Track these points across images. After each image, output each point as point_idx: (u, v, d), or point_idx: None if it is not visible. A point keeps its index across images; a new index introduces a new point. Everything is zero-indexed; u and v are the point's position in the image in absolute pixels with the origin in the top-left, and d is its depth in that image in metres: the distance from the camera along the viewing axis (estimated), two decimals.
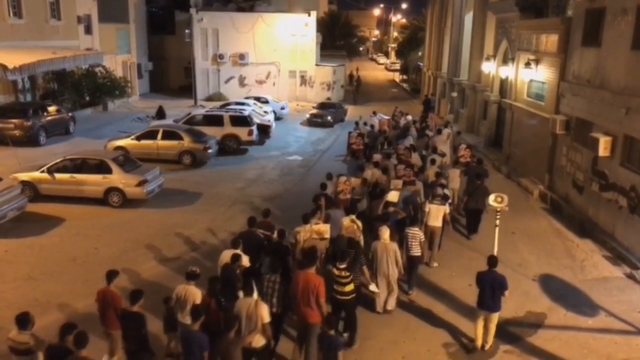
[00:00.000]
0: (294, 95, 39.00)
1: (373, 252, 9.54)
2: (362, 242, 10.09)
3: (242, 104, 28.51)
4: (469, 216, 13.70)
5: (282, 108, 32.35)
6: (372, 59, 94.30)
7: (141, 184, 14.84)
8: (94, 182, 14.84)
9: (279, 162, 21.46)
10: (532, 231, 14.09)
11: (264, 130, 24.37)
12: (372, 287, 9.49)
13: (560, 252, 12.80)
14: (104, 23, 33.36)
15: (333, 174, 13.76)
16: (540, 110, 17.67)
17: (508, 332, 9.25)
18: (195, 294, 7.58)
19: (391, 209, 11.38)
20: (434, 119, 26.45)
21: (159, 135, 19.79)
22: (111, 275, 7.65)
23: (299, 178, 19.29)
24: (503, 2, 22.29)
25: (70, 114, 24.79)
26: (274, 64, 38.70)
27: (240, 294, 7.77)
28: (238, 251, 8.68)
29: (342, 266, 8.43)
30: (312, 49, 39.26)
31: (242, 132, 22.16)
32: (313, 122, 30.13)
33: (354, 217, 10.51)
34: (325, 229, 9.92)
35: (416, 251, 10.36)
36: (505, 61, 21.94)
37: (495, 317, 8.59)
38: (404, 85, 56.90)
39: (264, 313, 7.16)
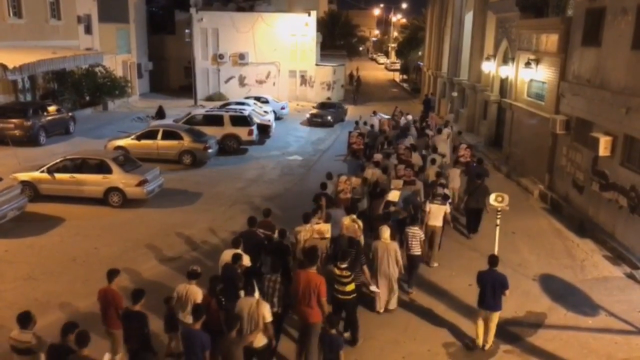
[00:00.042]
0: (294, 95, 38.98)
1: (374, 251, 9.55)
2: (362, 242, 10.09)
3: (242, 103, 28.50)
4: (469, 216, 13.71)
5: (282, 108, 32.35)
6: (372, 59, 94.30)
7: (141, 183, 14.84)
8: (94, 182, 14.84)
9: (279, 162, 21.46)
10: (532, 231, 14.09)
11: (264, 130, 24.38)
12: (373, 287, 9.50)
13: (561, 252, 12.81)
14: (104, 23, 33.35)
15: (333, 174, 13.77)
16: (541, 110, 17.67)
17: (508, 332, 9.25)
18: (197, 293, 7.59)
19: (392, 208, 11.40)
20: (434, 118, 26.47)
21: (159, 135, 19.78)
22: (112, 274, 7.65)
23: (299, 178, 19.29)
24: (503, 1, 22.26)
25: (70, 114, 24.77)
26: (274, 63, 38.67)
27: (242, 293, 7.79)
28: (239, 251, 8.67)
29: (343, 266, 8.45)
30: (312, 48, 39.25)
31: (242, 132, 22.16)
32: (313, 121, 30.15)
33: (354, 216, 10.52)
34: (326, 228, 9.92)
35: (416, 250, 10.38)
36: (505, 61, 21.93)
37: (495, 317, 8.60)
38: (404, 85, 56.89)
39: (266, 312, 7.17)
